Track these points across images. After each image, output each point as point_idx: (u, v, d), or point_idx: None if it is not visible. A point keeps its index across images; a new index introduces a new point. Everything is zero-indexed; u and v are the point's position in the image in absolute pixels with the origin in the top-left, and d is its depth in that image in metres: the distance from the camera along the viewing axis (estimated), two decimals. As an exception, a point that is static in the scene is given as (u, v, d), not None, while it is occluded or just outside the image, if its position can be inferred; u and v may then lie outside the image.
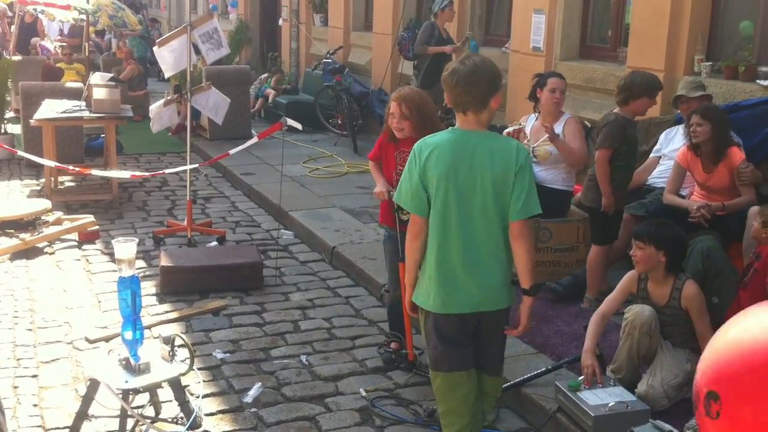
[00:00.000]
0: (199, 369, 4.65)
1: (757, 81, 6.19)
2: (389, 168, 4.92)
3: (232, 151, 7.66)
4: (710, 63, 6.64)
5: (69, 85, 10.56)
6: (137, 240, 4.13)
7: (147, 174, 8.64)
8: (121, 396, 3.85)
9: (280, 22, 16.07)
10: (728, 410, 2.05)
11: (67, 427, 4.17)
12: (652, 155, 6.41)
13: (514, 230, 3.38)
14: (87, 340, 5.36)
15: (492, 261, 3.41)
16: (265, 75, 14.54)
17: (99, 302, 6.04)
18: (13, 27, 16.00)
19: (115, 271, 6.59)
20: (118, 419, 3.90)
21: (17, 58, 13.87)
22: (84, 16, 14.70)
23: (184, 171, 7.71)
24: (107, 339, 5.36)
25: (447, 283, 3.40)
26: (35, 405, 4.50)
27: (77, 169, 8.11)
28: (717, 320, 5.05)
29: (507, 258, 3.45)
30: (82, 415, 4.11)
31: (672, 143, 6.24)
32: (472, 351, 3.53)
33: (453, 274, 3.39)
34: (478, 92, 3.32)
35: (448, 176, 3.33)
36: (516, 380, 4.56)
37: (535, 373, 4.59)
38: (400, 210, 4.69)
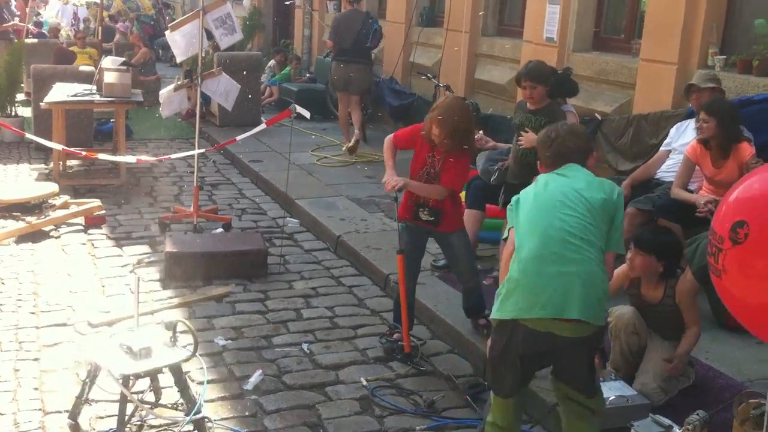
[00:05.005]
0: (200, 355, 4.64)
1: (771, 75, 6.12)
2: (416, 166, 4.92)
3: (239, 138, 7.64)
4: (724, 56, 6.56)
5: (80, 68, 10.56)
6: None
7: (153, 159, 8.64)
8: (121, 381, 3.84)
9: (296, 0, 15.86)
10: (755, 228, 2.71)
11: (67, 411, 4.19)
12: (662, 149, 6.34)
13: None
14: (90, 324, 5.36)
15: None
16: (273, 62, 14.50)
17: (103, 287, 6.04)
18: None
19: (120, 255, 6.67)
20: (117, 404, 3.88)
21: (30, 40, 13.88)
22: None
23: (193, 157, 7.70)
24: (110, 323, 5.37)
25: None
26: (36, 388, 4.51)
27: (84, 153, 8.10)
28: (726, 314, 5.03)
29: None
30: (82, 399, 4.12)
31: (683, 137, 6.16)
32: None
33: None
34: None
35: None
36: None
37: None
38: (422, 208, 4.82)
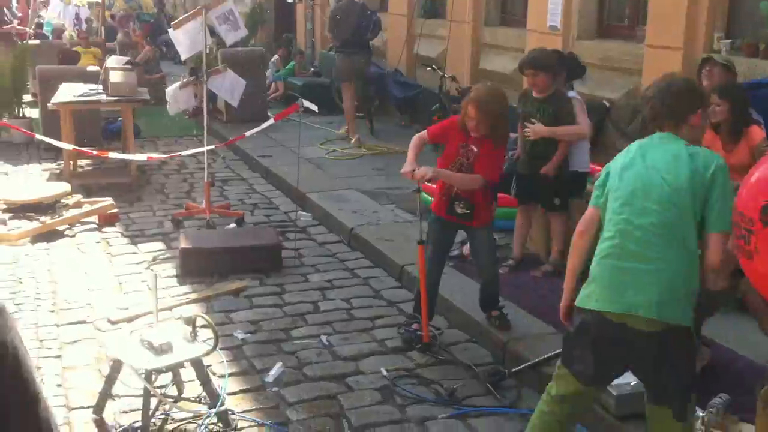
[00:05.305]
0: (220, 349, 4.68)
1: (779, 58, 6.12)
2: (448, 157, 4.89)
3: (248, 133, 7.68)
4: (730, 41, 6.57)
5: (86, 68, 10.58)
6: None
7: (163, 156, 8.67)
8: (144, 376, 3.88)
9: None
10: None
11: (91, 407, 4.22)
12: (671, 134, 6.35)
13: None
14: (109, 321, 5.40)
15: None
16: (276, 57, 14.50)
17: (120, 284, 6.08)
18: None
19: (135, 253, 6.71)
20: (141, 399, 3.93)
21: (33, 42, 13.89)
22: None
23: (202, 153, 7.74)
24: (129, 320, 5.41)
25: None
26: (59, 385, 4.55)
27: (95, 152, 8.13)
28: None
29: None
30: (106, 395, 4.16)
31: (692, 122, 6.17)
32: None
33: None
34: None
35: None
36: (537, 359, 4.57)
37: (557, 351, 4.56)
38: (458, 201, 4.80)
